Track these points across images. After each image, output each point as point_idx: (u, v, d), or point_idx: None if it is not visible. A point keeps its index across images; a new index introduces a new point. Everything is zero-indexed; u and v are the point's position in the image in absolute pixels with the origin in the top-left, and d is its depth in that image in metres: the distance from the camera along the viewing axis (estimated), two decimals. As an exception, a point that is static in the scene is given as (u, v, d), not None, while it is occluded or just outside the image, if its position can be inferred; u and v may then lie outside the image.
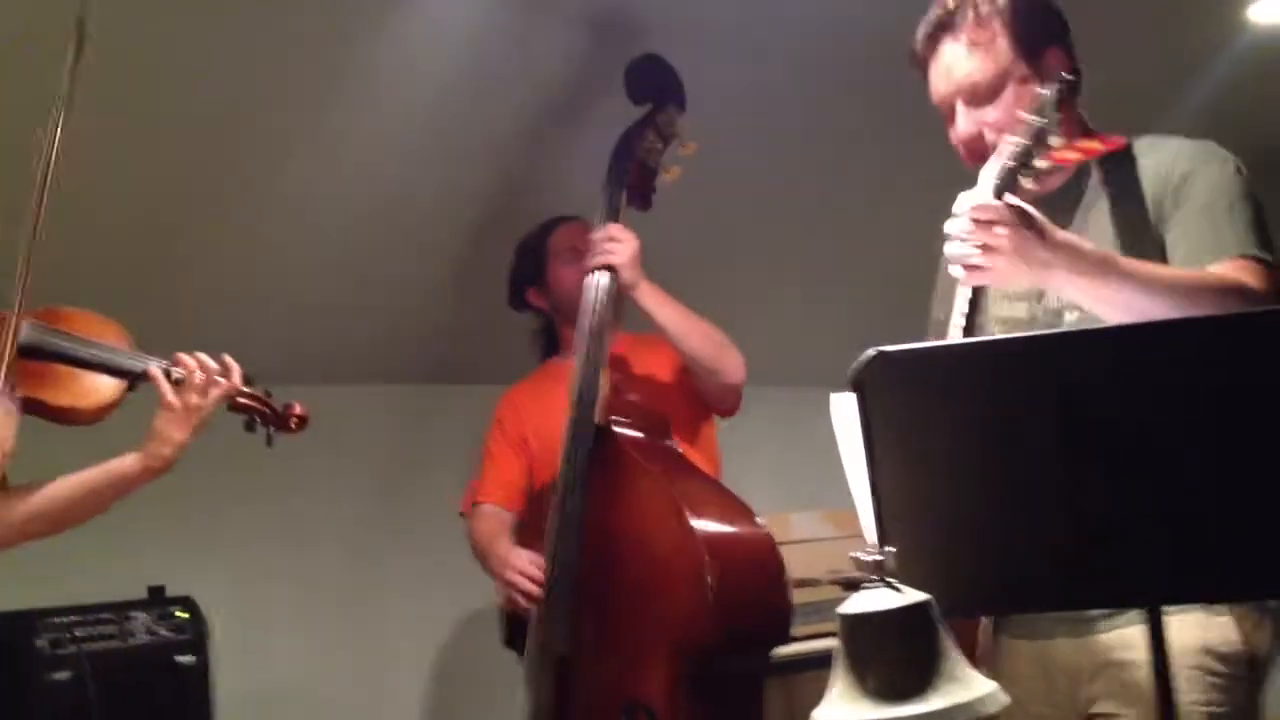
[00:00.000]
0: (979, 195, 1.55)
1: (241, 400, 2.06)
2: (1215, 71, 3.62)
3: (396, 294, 3.33)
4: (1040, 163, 1.51)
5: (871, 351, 1.32)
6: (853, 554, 1.16)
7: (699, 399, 2.70)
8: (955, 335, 1.77)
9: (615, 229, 2.55)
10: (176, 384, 1.97)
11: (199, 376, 1.96)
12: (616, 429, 2.42)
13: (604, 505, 2.35)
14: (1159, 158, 1.74)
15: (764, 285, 3.82)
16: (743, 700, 2.26)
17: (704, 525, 2.20)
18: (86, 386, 1.93)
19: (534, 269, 2.84)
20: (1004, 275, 1.56)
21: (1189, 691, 1.60)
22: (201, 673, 2.72)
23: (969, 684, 1.13)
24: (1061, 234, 1.56)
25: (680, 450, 2.51)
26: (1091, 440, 1.31)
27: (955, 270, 1.60)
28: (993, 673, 1.81)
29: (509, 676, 2.59)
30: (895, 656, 1.13)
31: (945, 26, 1.79)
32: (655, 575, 2.24)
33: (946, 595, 1.19)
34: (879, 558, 1.16)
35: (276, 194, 2.93)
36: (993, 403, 1.35)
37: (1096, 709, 1.72)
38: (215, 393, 1.98)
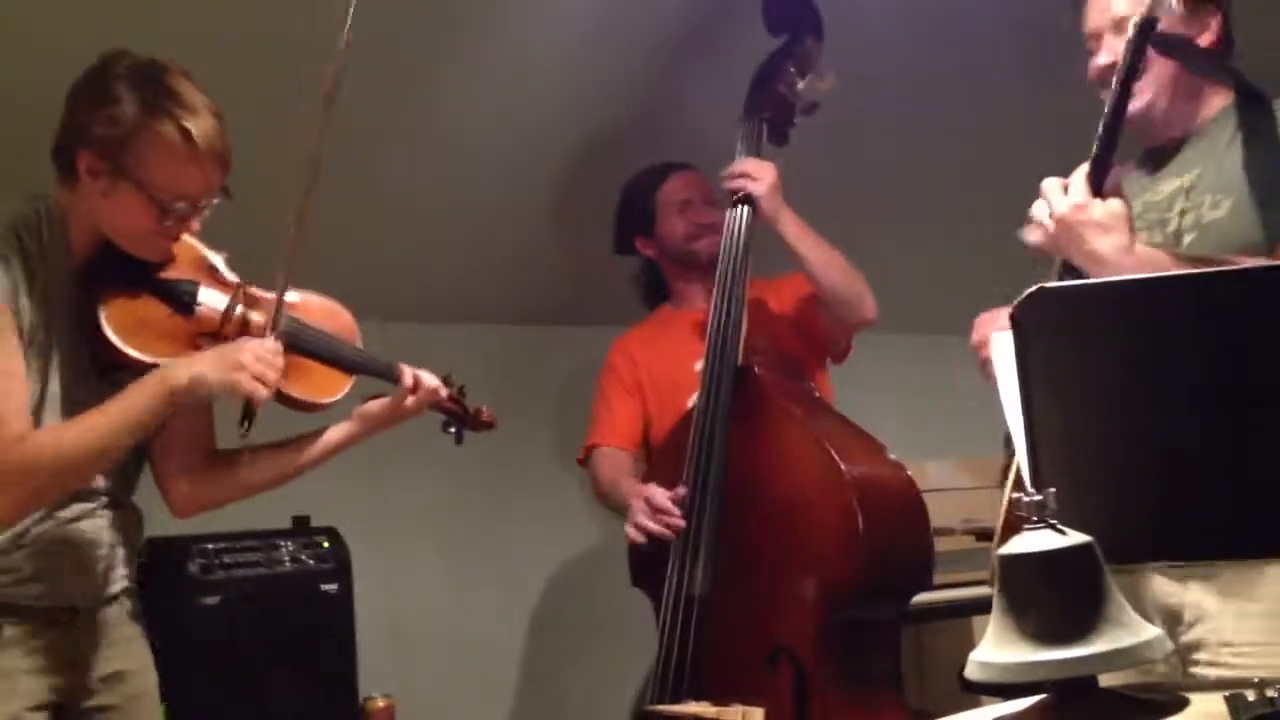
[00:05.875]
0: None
1: (446, 404, 2.24)
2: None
3: (521, 233, 3.32)
4: None
5: (1033, 287, 1.28)
6: (1014, 494, 1.13)
7: (817, 343, 2.67)
8: None
9: (747, 162, 2.51)
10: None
11: (425, 385, 2.15)
12: (758, 370, 2.40)
13: (745, 446, 2.34)
14: None
15: (897, 230, 3.73)
16: (884, 647, 2.25)
17: (852, 467, 2.19)
18: (328, 381, 2.04)
19: (643, 218, 2.82)
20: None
21: None
22: (344, 600, 2.79)
23: (1133, 628, 1.09)
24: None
25: (819, 393, 2.49)
26: (1261, 384, 1.25)
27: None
28: None
29: (637, 613, 2.61)
30: (1056, 599, 1.09)
31: None
32: (802, 517, 2.24)
33: (1101, 541, 1.15)
34: (1040, 499, 1.12)
35: (403, 130, 2.94)
36: (1157, 342, 1.30)
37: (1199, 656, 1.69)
38: (431, 401, 2.17)
